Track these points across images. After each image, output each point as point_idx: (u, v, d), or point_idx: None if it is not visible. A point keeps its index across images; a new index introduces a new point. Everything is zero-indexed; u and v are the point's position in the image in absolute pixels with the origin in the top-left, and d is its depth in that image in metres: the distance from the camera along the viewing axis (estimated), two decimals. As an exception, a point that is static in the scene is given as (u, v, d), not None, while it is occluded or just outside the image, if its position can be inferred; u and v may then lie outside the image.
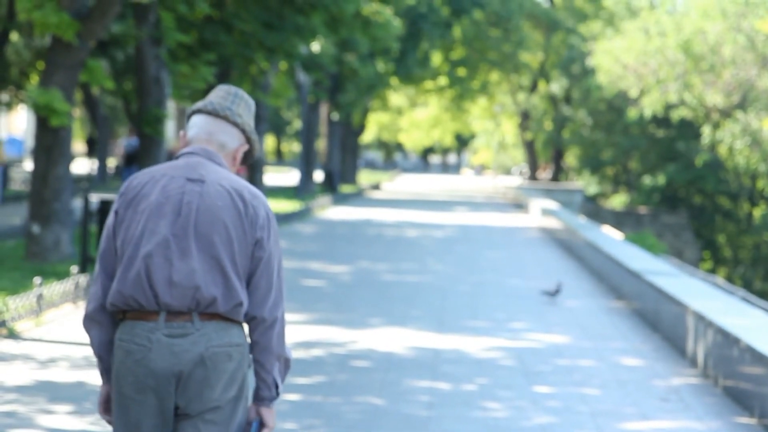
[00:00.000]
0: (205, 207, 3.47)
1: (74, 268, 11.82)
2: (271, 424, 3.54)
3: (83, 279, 11.74)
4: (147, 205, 3.48)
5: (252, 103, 3.70)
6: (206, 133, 3.61)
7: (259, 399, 3.54)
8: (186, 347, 3.42)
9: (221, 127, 3.61)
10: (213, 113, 3.61)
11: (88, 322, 3.56)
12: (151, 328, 3.43)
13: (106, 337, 3.55)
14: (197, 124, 3.62)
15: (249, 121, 3.66)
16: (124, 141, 28.62)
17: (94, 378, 8.05)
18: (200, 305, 3.43)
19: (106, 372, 3.60)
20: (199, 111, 3.63)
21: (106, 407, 3.62)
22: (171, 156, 35.48)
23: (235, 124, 3.62)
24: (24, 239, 15.74)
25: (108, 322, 3.54)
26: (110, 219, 3.55)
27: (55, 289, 10.96)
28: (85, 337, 9.58)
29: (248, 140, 3.66)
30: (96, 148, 48.09)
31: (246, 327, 3.56)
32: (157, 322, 3.43)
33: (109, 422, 3.57)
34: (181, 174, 3.52)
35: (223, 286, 3.45)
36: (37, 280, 10.57)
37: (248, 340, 3.56)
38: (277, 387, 3.54)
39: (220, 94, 3.64)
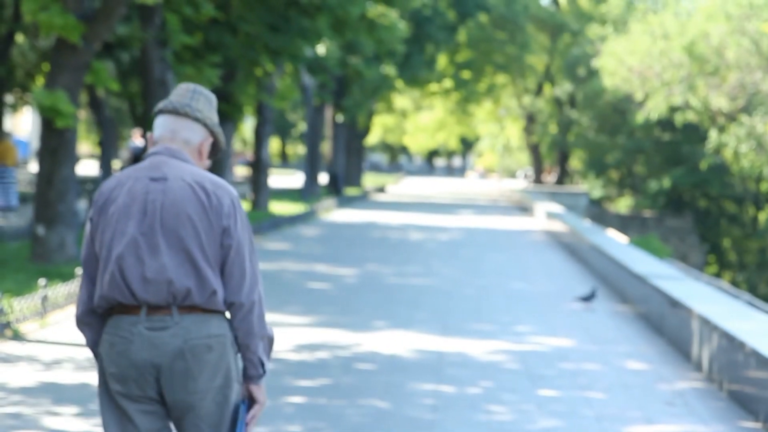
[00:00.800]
0: (169, 203, 3.60)
1: (79, 270, 11.82)
2: (262, 399, 3.71)
3: (88, 281, 11.74)
4: (115, 209, 3.63)
5: (213, 97, 3.82)
6: (170, 131, 3.74)
7: (247, 377, 3.71)
8: (165, 340, 3.56)
9: (183, 124, 3.74)
10: (174, 112, 3.74)
11: (79, 324, 3.77)
12: (134, 321, 3.59)
13: (98, 337, 3.74)
14: (161, 124, 3.75)
15: (210, 115, 3.77)
16: (131, 143, 28.69)
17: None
18: (177, 298, 3.57)
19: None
20: (161, 111, 3.76)
21: None
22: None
23: (196, 120, 3.74)
24: (29, 241, 15.75)
25: (97, 323, 3.73)
26: (87, 226, 3.72)
27: (59, 290, 10.96)
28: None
29: (212, 133, 3.78)
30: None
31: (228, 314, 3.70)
32: (139, 316, 3.59)
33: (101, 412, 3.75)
34: (144, 174, 3.66)
35: (195, 277, 3.58)
36: (41, 281, 10.57)
37: (229, 327, 3.70)
38: (263, 365, 3.71)
39: (179, 92, 3.77)
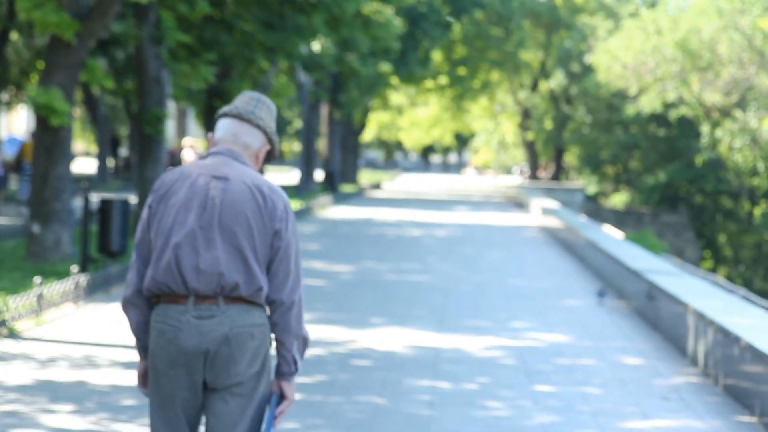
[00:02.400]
0: (228, 202, 3.85)
1: (74, 268, 11.81)
2: (291, 396, 3.92)
3: (83, 279, 11.74)
4: (177, 200, 3.87)
5: (273, 107, 4.07)
6: (231, 134, 3.99)
7: (279, 374, 3.92)
8: (212, 327, 3.80)
9: (245, 129, 3.99)
10: (238, 117, 3.99)
11: (127, 305, 3.95)
12: (182, 310, 3.82)
13: (143, 318, 3.94)
14: (224, 126, 4.01)
15: (270, 124, 4.03)
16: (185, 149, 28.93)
17: (94, 377, 8.05)
18: (224, 290, 3.81)
19: (143, 350, 3.98)
20: (225, 115, 4.01)
21: (144, 381, 4.01)
22: (172, 156, 35.61)
23: (258, 127, 4.00)
24: (24, 239, 15.73)
25: (144, 305, 3.93)
26: (144, 212, 3.93)
27: (55, 288, 10.96)
28: (83, 337, 9.59)
29: (270, 141, 4.04)
30: (119, 147, 48.17)
31: (268, 309, 3.93)
32: (187, 305, 3.82)
33: (146, 394, 3.95)
34: (207, 172, 3.90)
35: (245, 272, 3.82)
36: (37, 279, 10.57)
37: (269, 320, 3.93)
38: (296, 363, 3.92)
39: (244, 99, 4.02)
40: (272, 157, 4.08)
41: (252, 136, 4.00)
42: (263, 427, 3.88)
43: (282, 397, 3.92)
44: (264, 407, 3.90)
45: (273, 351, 3.94)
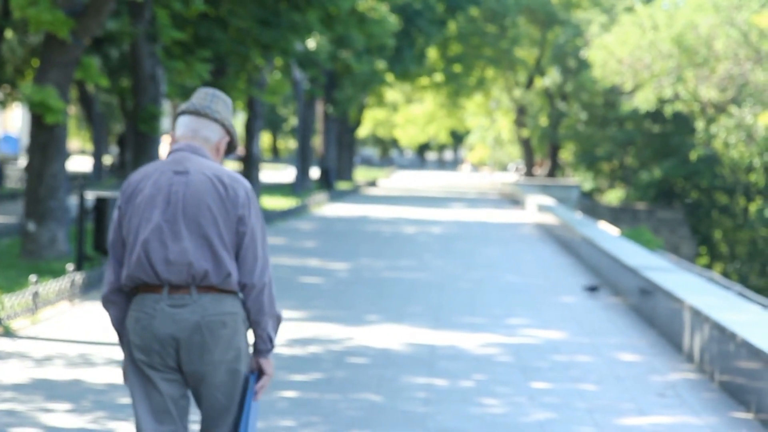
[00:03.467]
0: (190, 194, 4.03)
1: (70, 266, 11.81)
2: (269, 371, 4.14)
3: (79, 277, 11.72)
4: (142, 198, 4.05)
5: (229, 101, 4.25)
6: (191, 130, 4.17)
7: (257, 351, 4.13)
8: (185, 316, 3.99)
9: (203, 124, 4.17)
10: (195, 113, 4.17)
11: (106, 303, 4.15)
12: (156, 299, 4.01)
13: (122, 315, 4.13)
14: (183, 123, 4.19)
15: (227, 117, 4.21)
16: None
17: (90, 376, 8.04)
18: (195, 279, 3.99)
19: (124, 344, 4.14)
20: (183, 112, 4.20)
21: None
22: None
23: (215, 120, 4.17)
24: (20, 237, 15.72)
25: (122, 302, 4.12)
26: (115, 214, 4.13)
27: (50, 286, 10.94)
28: (79, 335, 9.59)
29: (228, 133, 4.21)
30: (127, 146, 48.11)
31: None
32: (161, 294, 4.01)
33: (130, 387, 4.11)
34: (169, 168, 4.08)
35: (212, 260, 4.00)
36: (32, 278, 10.55)
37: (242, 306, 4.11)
38: (271, 341, 4.13)
39: (200, 96, 4.20)
40: (233, 148, 4.23)
41: (210, 130, 4.17)
42: (246, 401, 4.08)
43: (260, 373, 4.13)
44: (246, 387, 4.09)
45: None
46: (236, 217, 4.04)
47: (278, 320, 4.15)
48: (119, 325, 4.14)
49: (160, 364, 4.00)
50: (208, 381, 4.02)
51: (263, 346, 4.13)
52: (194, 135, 4.16)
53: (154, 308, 4.00)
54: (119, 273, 4.09)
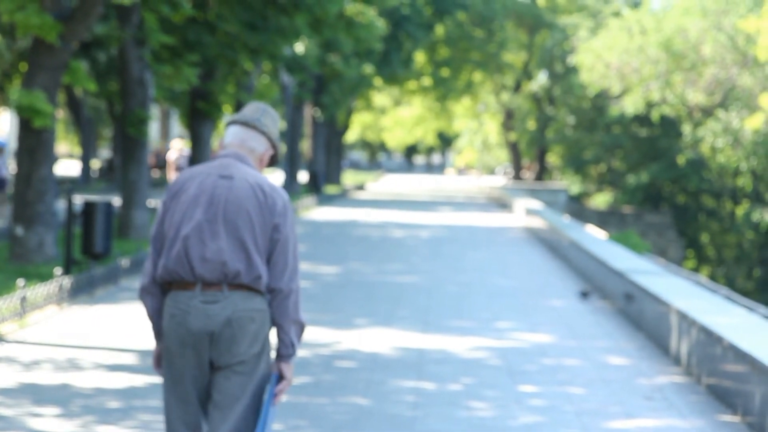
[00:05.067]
0: (232, 198, 4.30)
1: (58, 270, 11.78)
2: (289, 375, 4.36)
3: (67, 281, 11.71)
4: (187, 197, 4.33)
5: (277, 116, 4.53)
6: (239, 139, 4.46)
7: (279, 356, 4.37)
8: (217, 311, 4.25)
9: (251, 135, 4.47)
10: (245, 124, 4.47)
11: (143, 293, 4.39)
12: (190, 296, 4.27)
13: (158, 305, 4.38)
14: (232, 132, 4.48)
15: (274, 131, 4.50)
16: (169, 151, 29.19)
17: (78, 380, 8.04)
18: (228, 277, 4.25)
19: (158, 333, 4.42)
20: (234, 122, 4.49)
21: (159, 362, 4.46)
22: (158, 156, 35.47)
23: (263, 133, 4.48)
24: (7, 241, 15.68)
25: (158, 292, 4.38)
26: (160, 209, 4.40)
27: (38, 291, 10.93)
28: (67, 340, 9.58)
29: (273, 146, 4.52)
30: (161, 156, 48.32)
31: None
32: (195, 291, 4.27)
33: (161, 374, 4.40)
34: (215, 172, 4.37)
35: (246, 261, 4.26)
36: (20, 282, 10.54)
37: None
38: (293, 346, 4.36)
39: (251, 109, 4.51)
40: (275, 160, 4.53)
41: (257, 141, 4.46)
42: (264, 403, 4.30)
43: (281, 376, 4.35)
44: (264, 385, 4.32)
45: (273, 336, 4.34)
46: (272, 225, 4.30)
47: (302, 327, 4.37)
48: (155, 314, 4.38)
49: (193, 357, 4.25)
50: (230, 370, 4.25)
51: (285, 350, 4.35)
52: (241, 144, 4.44)
53: (188, 305, 4.25)
54: (157, 264, 4.34)
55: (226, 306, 4.25)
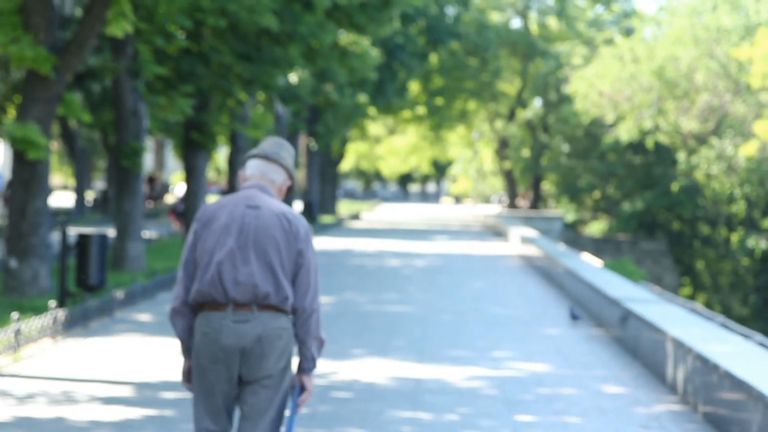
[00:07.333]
0: (261, 226, 4.71)
1: (52, 303, 11.75)
2: (310, 388, 4.78)
3: (61, 313, 11.67)
4: (218, 225, 4.72)
5: (293, 150, 4.96)
6: (260, 172, 4.87)
7: (301, 369, 4.78)
8: (247, 330, 4.63)
9: (271, 168, 4.88)
10: (265, 157, 4.89)
11: (174, 314, 4.75)
12: (222, 316, 4.65)
13: (188, 325, 4.75)
14: (253, 165, 4.89)
15: (291, 164, 4.91)
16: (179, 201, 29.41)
17: (73, 413, 7.99)
18: (258, 298, 4.64)
19: (187, 351, 4.79)
20: (254, 156, 4.89)
21: (188, 378, 4.80)
22: (152, 181, 35.47)
23: (282, 166, 4.89)
24: (1, 273, 15.64)
25: (189, 314, 4.74)
26: (190, 237, 4.76)
27: (33, 323, 10.88)
28: (62, 373, 9.53)
29: (290, 177, 4.92)
30: (156, 187, 48.32)
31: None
32: (226, 312, 4.64)
33: (190, 389, 4.75)
34: (242, 202, 4.77)
35: (274, 284, 4.66)
36: (14, 315, 10.49)
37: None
38: (314, 360, 4.76)
39: (269, 143, 4.91)
40: (292, 190, 4.96)
41: (277, 173, 4.87)
42: (287, 414, 4.70)
43: (303, 388, 4.75)
44: (287, 397, 4.71)
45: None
46: (296, 250, 4.71)
47: (322, 343, 4.77)
48: (185, 334, 4.74)
49: (224, 372, 4.62)
50: (258, 384, 4.63)
51: (307, 364, 4.75)
52: (262, 176, 4.85)
53: (220, 324, 4.62)
54: (190, 289, 4.71)
55: (256, 325, 4.62)
